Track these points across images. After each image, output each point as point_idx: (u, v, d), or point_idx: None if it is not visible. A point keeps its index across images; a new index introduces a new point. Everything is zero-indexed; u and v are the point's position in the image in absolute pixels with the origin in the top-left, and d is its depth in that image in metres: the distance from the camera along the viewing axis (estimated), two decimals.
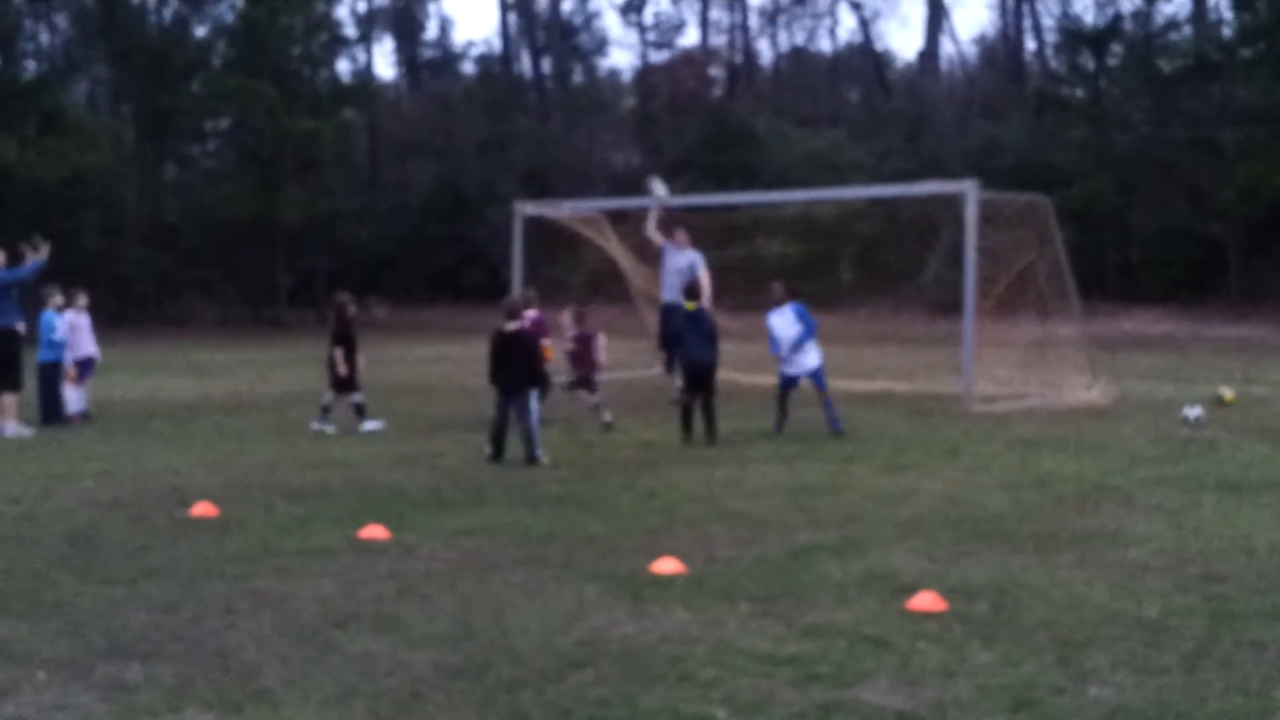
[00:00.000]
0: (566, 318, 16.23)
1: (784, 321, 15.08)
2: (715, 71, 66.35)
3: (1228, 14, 46.20)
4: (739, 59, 66.22)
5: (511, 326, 12.86)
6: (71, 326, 16.90)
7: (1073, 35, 47.74)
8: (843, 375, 18.84)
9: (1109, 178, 43.06)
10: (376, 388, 20.67)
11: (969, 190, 17.67)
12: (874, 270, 40.85)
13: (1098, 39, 46.04)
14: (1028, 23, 57.98)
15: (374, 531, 9.16)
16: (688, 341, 14.42)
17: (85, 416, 16.76)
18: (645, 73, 65.18)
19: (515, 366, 12.72)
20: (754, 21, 66.72)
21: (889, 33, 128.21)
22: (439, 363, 26.24)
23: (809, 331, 14.99)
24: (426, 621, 6.92)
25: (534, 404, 12.84)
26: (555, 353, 16.30)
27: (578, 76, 66.38)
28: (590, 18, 65.74)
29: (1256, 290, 40.43)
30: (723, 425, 14.43)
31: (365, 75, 58.75)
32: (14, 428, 15.20)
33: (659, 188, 19.45)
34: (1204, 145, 41.79)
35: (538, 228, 23.00)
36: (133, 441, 14.46)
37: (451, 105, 61.17)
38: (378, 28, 65.81)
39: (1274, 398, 18.70)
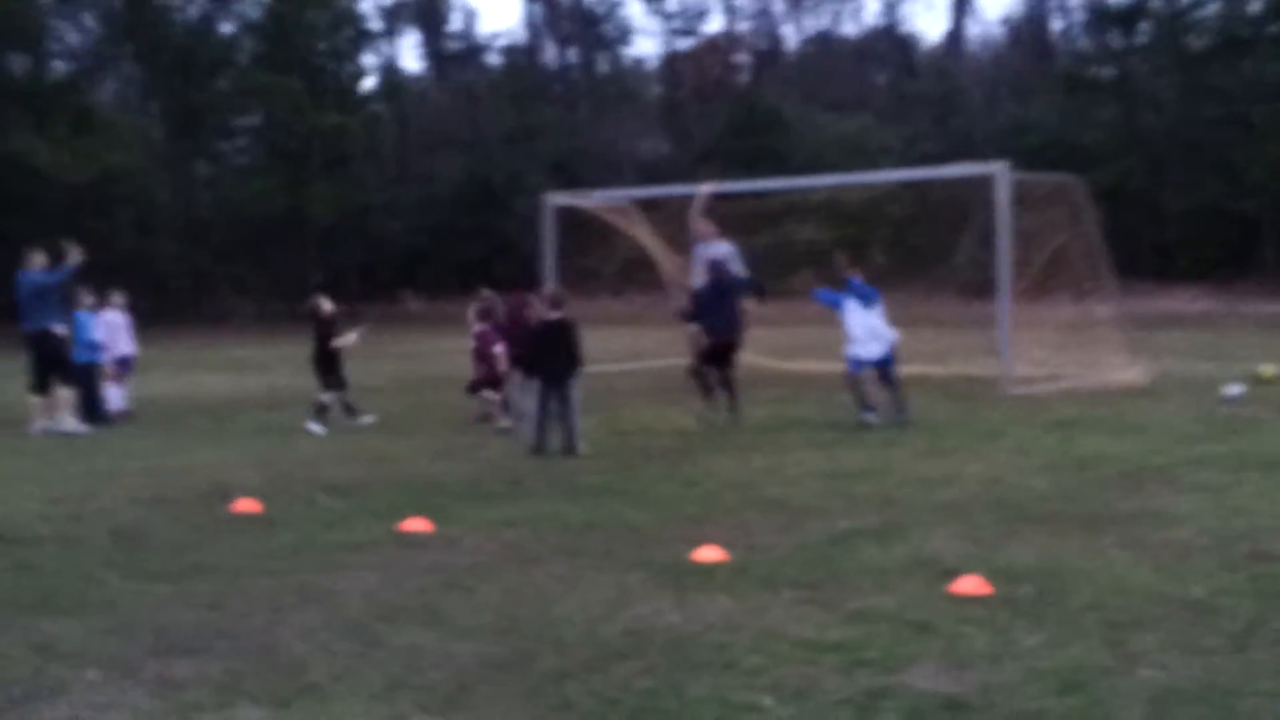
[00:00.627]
0: (471, 313, 16.03)
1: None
2: (741, 58, 66.21)
3: None
4: (764, 44, 66.03)
5: (553, 315, 12.88)
6: (109, 325, 17.02)
7: (1100, 14, 47.47)
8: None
9: (1140, 157, 42.83)
10: (413, 379, 20.77)
11: (1000, 172, 17.59)
12: (905, 253, 40.73)
13: (1126, 17, 45.76)
14: (1054, 2, 57.60)
15: (416, 524, 9.20)
16: (716, 315, 14.48)
17: (126, 415, 16.88)
18: (670, 60, 65.07)
19: (559, 355, 12.75)
20: (778, 6, 66.55)
21: (914, 15, 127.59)
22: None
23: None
24: (471, 613, 6.94)
25: (575, 394, 12.87)
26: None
27: (603, 66, 66.32)
28: (613, 6, 65.64)
29: None
30: (760, 412, 14.43)
31: (392, 68, 58.83)
32: (70, 424, 15.37)
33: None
34: (1235, 122, 41.50)
35: (568, 218, 23.02)
36: (174, 439, 14.55)
37: (478, 97, 61.23)
38: (403, 21, 65.89)
39: None
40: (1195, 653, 5.94)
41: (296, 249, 48.20)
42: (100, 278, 18.29)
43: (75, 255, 15.46)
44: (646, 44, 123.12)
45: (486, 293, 16.47)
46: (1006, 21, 64.98)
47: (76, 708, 5.70)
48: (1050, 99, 47.94)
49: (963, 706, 5.36)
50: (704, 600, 7.04)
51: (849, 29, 69.01)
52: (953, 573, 7.31)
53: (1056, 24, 57.85)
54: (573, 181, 40.25)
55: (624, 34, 66.40)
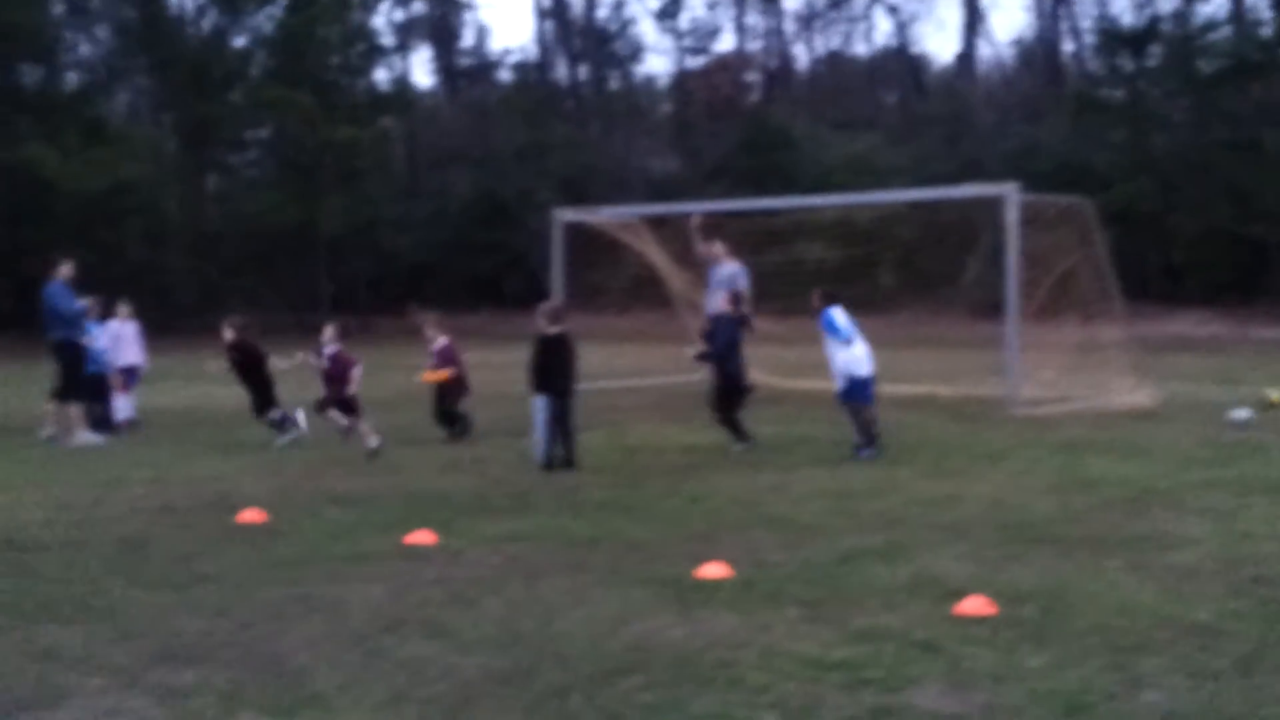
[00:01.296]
0: (328, 333, 15.83)
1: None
2: (751, 76, 66.29)
3: (1267, 14, 45.72)
4: (775, 63, 66.13)
5: (554, 330, 12.90)
6: (115, 335, 17.06)
7: (1111, 36, 47.44)
8: (884, 379, 18.79)
9: (1150, 179, 42.78)
10: (420, 393, 20.73)
11: (1009, 193, 17.60)
12: (914, 274, 40.77)
13: (1136, 40, 45.73)
14: (1065, 24, 57.62)
15: (421, 537, 9.21)
16: (737, 353, 14.43)
17: (133, 424, 16.91)
18: (681, 78, 65.16)
19: (562, 369, 12.79)
20: (789, 26, 66.65)
21: (925, 36, 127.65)
22: (481, 369, 26.12)
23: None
24: (474, 627, 6.95)
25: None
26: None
27: (614, 83, 66.41)
28: (626, 24, 65.63)
29: None
30: (766, 430, 14.43)
31: (403, 83, 58.88)
32: (84, 437, 15.42)
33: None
34: (1245, 146, 41.46)
35: (577, 234, 23.05)
36: (180, 449, 14.57)
37: (489, 112, 61.35)
38: (415, 36, 66.04)
39: None
40: (1201, 677, 5.92)
41: (306, 262, 48.27)
42: (110, 288, 18.35)
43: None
44: (658, 62, 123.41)
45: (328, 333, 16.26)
46: (1017, 43, 64.94)
47: (80, 715, 5.72)
48: (1060, 121, 47.92)
49: None
50: (708, 616, 7.03)
51: (860, 49, 69.13)
52: (957, 593, 7.30)
53: (1067, 46, 57.82)
54: (582, 198, 40.31)
55: (635, 52, 66.46)
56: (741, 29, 65.92)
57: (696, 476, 12.08)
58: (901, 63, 64.36)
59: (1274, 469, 12.10)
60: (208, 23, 50.53)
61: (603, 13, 65.21)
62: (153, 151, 47.06)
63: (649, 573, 8.07)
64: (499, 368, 26.02)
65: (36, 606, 7.52)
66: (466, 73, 69.54)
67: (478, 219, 53.21)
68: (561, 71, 67.22)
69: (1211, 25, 45.80)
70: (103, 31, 51.48)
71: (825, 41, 67.79)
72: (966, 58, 60.99)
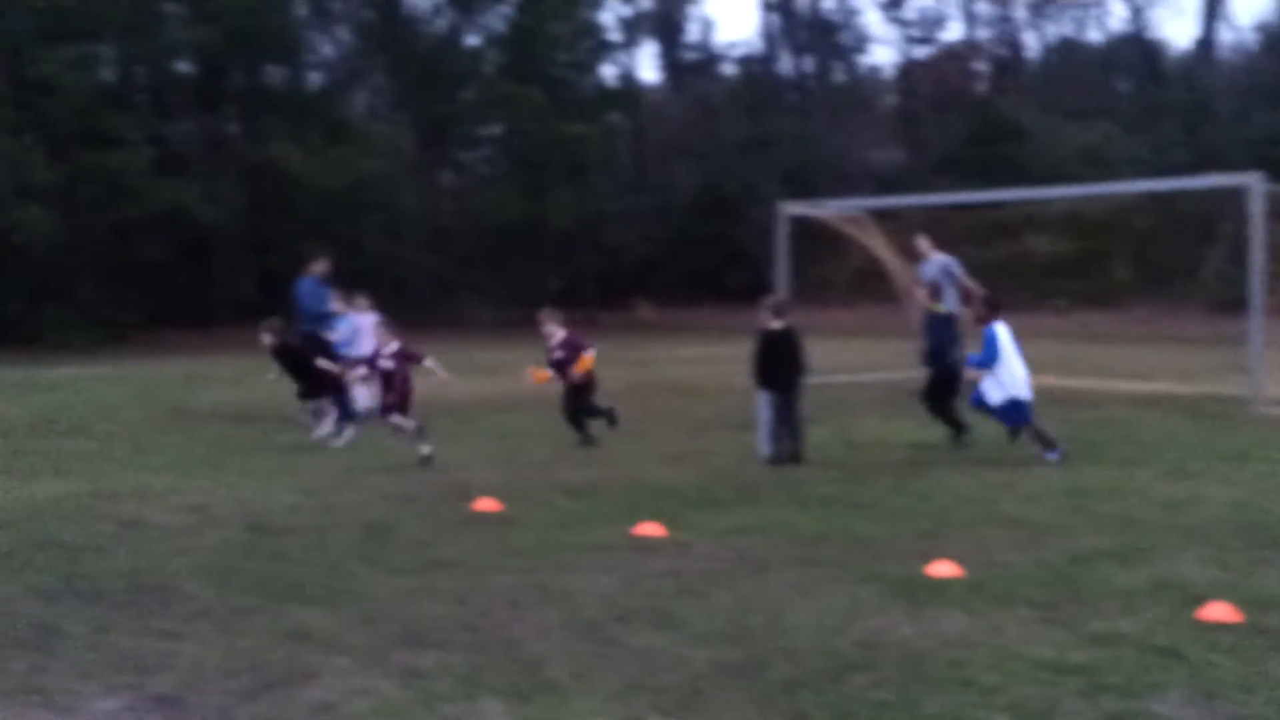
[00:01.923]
0: (382, 332, 14.43)
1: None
2: (980, 66, 64.99)
3: None
4: (1005, 52, 64.70)
5: (777, 324, 12.89)
6: (355, 328, 17.68)
7: None
8: (1119, 376, 18.32)
9: None
10: (645, 386, 20.99)
11: (1253, 184, 16.91)
12: (1150, 267, 39.49)
13: None
14: None
15: (650, 529, 9.33)
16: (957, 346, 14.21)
17: (371, 414, 17.48)
18: (907, 69, 64.29)
19: (786, 364, 12.79)
20: (1020, 13, 65.08)
21: (1162, 21, 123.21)
22: (705, 363, 26.46)
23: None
24: (704, 619, 7.01)
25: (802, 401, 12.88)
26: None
27: (839, 75, 65.90)
28: (851, 15, 65.08)
29: None
30: (996, 427, 14.19)
31: (630, 79, 59.48)
32: (327, 426, 16.04)
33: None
34: None
35: (801, 227, 22.89)
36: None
37: (714, 106, 61.52)
38: (641, 32, 66.63)
39: None
40: None
41: (534, 256, 49.15)
42: (349, 281, 19.02)
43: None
44: (883, 52, 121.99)
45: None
46: (1260, 28, 62.23)
47: (328, 693, 5.95)
48: None
49: None
50: (938, 615, 6.96)
51: (1093, 36, 67.10)
52: (1200, 598, 7.07)
53: None
54: (806, 191, 40.13)
55: (861, 42, 65.85)
56: (970, 17, 64.64)
57: (924, 473, 11.94)
58: (1137, 49, 62.25)
59: None
60: (443, 22, 51.82)
61: (828, 4, 64.77)
62: (390, 149, 48.50)
63: (877, 569, 8.02)
64: (721, 361, 26.17)
65: (285, 588, 7.87)
66: (691, 67, 69.84)
67: (701, 213, 53.44)
68: (786, 64, 66.98)
69: None
70: (343, 33, 53.33)
71: (1057, 28, 66.03)
72: (1206, 43, 58.64)
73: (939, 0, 65.87)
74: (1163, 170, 37.76)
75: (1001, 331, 12.73)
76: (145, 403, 20.05)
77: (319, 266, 16.77)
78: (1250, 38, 61.86)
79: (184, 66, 48.31)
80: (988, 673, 5.98)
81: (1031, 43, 66.80)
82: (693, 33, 71.66)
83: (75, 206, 40.01)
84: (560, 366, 14.71)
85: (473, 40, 52.08)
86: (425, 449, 13.19)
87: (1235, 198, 18.54)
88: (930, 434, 14.41)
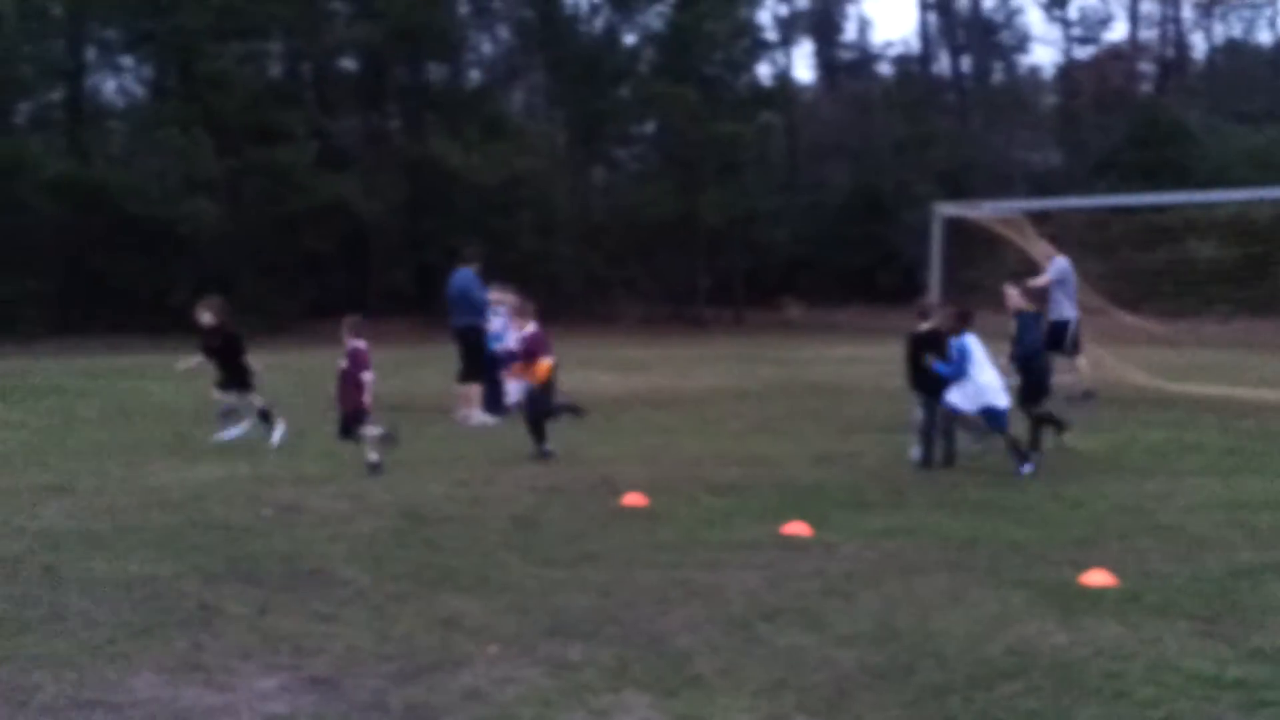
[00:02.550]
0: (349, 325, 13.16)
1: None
2: (1144, 66, 63.48)
3: None
4: (1170, 53, 63.10)
5: (924, 326, 12.75)
6: (508, 321, 17.91)
7: None
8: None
9: None
10: (793, 385, 20.92)
11: None
12: None
13: None
14: None
15: (797, 528, 9.30)
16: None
17: (518, 408, 17.71)
18: (1068, 69, 63.03)
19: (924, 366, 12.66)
20: (1187, 13, 63.42)
21: None
22: (853, 363, 26.25)
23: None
24: (850, 620, 6.98)
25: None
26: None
27: (997, 75, 64.91)
28: (1012, 14, 64.03)
29: None
30: (1153, 435, 13.90)
31: (785, 78, 59.26)
32: (479, 417, 16.31)
33: None
34: None
35: (955, 229, 22.60)
36: (566, 432, 15.14)
37: (869, 106, 61.01)
38: (797, 31, 66.34)
39: None
40: None
41: (685, 254, 49.23)
42: (502, 276, 19.28)
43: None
44: (1043, 52, 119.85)
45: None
46: None
47: (478, 680, 6.05)
48: None
49: None
50: (1092, 624, 6.83)
51: (1264, 37, 65.17)
52: None
53: None
54: (961, 192, 39.66)
55: (1021, 42, 64.81)
56: (1135, 17, 63.15)
57: (1078, 480, 11.70)
58: None
59: None
60: (600, 21, 52.21)
61: (989, 3, 63.83)
62: (546, 146, 49.01)
63: (1029, 576, 7.90)
64: (870, 362, 25.96)
65: (438, 576, 8.01)
66: (847, 66, 69.40)
67: (853, 213, 53.04)
68: (943, 64, 66.18)
69: None
70: (503, 31, 54.04)
71: (1225, 29, 64.24)
72: None
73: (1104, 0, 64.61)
74: None
75: (973, 344, 12.33)
76: (304, 391, 20.52)
77: (474, 259, 17.01)
78: None
79: (348, 63, 49.46)
80: (1143, 685, 5.86)
81: (1198, 43, 65.13)
82: (850, 32, 71.25)
83: (241, 199, 41.17)
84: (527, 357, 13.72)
85: (629, 39, 52.37)
86: (374, 456, 12.38)
87: None
88: (1082, 440, 14.13)
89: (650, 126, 53.57)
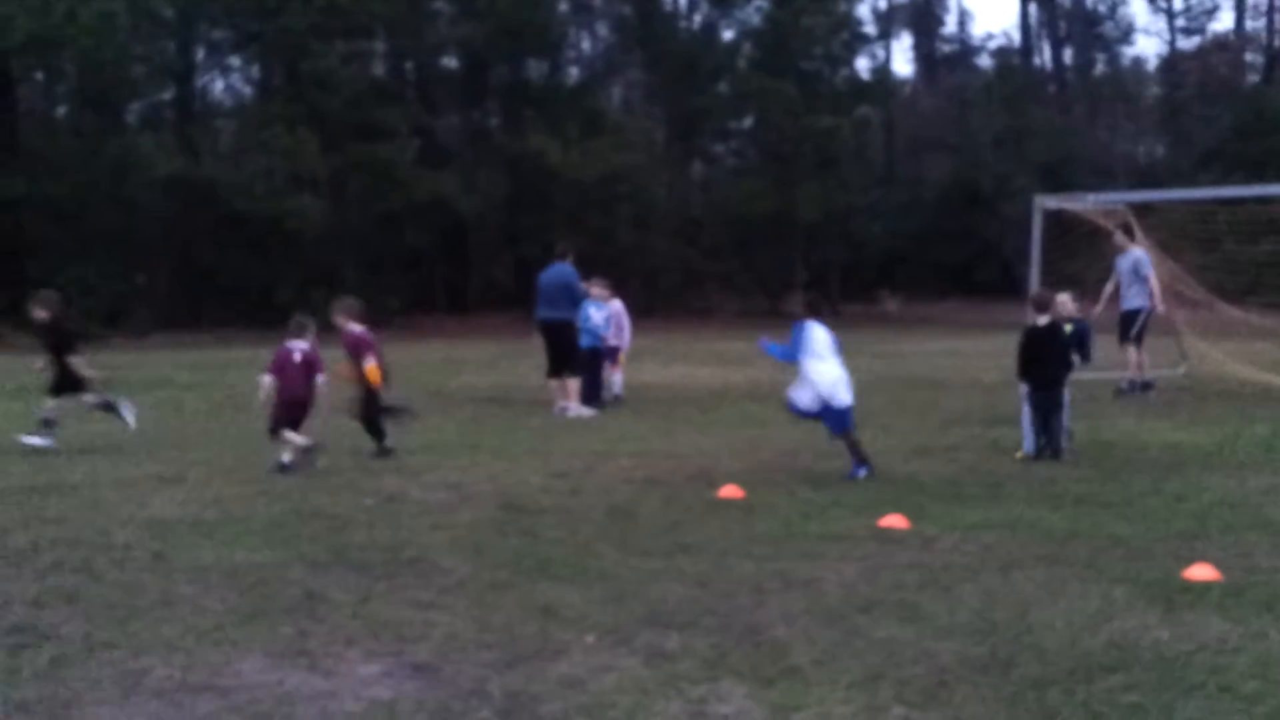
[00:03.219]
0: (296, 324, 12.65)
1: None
2: (1250, 57, 62.21)
3: None
4: (1277, 43, 61.76)
5: (1043, 320, 12.61)
6: (617, 315, 18.00)
7: None
8: None
9: None
10: (890, 379, 20.79)
11: None
12: None
13: None
14: None
15: (894, 520, 9.27)
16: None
17: (617, 400, 17.80)
18: (1173, 60, 61.96)
19: (1049, 359, 12.52)
20: None
21: None
22: (951, 357, 26.06)
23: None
24: (949, 613, 6.94)
25: (1066, 398, 12.55)
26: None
27: (1100, 66, 63.96)
28: (1115, 5, 63.14)
29: None
30: (1259, 430, 13.65)
31: (884, 71, 58.87)
32: (575, 409, 16.42)
33: None
34: None
35: (1055, 222, 22.39)
36: (663, 424, 15.23)
37: (968, 99, 60.42)
38: (897, 24, 65.86)
39: None
40: None
41: (782, 248, 49.15)
42: (600, 271, 19.38)
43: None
44: (1148, 44, 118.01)
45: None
46: None
47: (576, 668, 6.10)
48: None
49: None
50: (1195, 620, 6.74)
51: None
52: None
53: None
54: (1063, 185, 39.08)
55: (1125, 33, 63.87)
56: (1241, 7, 61.91)
57: (1181, 474, 11.51)
58: None
59: None
60: (698, 17, 52.26)
61: None
62: (644, 141, 49.13)
63: (1131, 570, 7.81)
64: (968, 356, 25.79)
65: (537, 566, 8.09)
66: (947, 59, 68.79)
67: (951, 207, 52.60)
68: (1045, 56, 65.35)
69: None
70: (602, 28, 54.26)
71: None
72: None
73: None
74: None
75: (818, 332, 11.65)
76: (405, 385, 20.77)
77: (567, 253, 17.09)
78: None
79: (450, 61, 49.98)
80: (1248, 680, 5.77)
81: None
82: (949, 24, 70.62)
83: (344, 196, 41.77)
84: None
85: (728, 35, 52.35)
86: (286, 456, 12.02)
87: None
88: (1188, 434, 13.93)
89: (748, 121, 53.52)
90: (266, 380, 12.19)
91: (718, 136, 55.27)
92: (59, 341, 13.69)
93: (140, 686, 5.92)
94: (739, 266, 49.48)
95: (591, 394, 17.12)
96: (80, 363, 13.71)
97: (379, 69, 47.61)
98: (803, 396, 11.77)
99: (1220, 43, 60.61)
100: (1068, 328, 13.09)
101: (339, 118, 40.50)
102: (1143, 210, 22.10)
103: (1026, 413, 12.60)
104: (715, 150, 57.07)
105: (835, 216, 48.76)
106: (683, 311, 45.52)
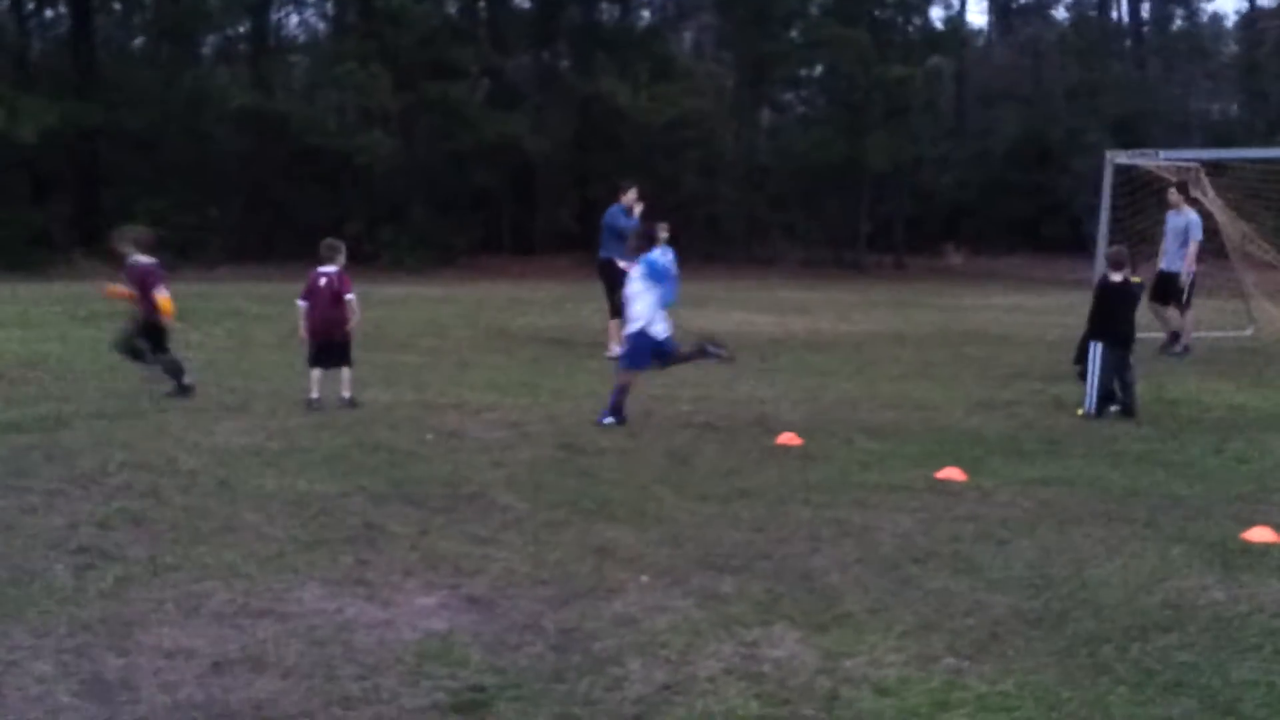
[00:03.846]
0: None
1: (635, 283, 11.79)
2: None
3: None
4: None
5: (1117, 277, 12.48)
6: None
7: None
8: None
9: None
10: (952, 332, 20.69)
11: None
12: None
13: None
14: None
15: (951, 473, 9.27)
16: None
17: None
18: (1252, 17, 60.72)
19: (1125, 317, 12.42)
20: None
21: None
22: (1015, 312, 25.84)
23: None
24: (1003, 566, 6.96)
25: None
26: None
27: (1177, 21, 62.80)
28: None
29: None
30: None
31: (957, 21, 58.04)
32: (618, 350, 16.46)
33: None
34: None
35: (1126, 178, 22.13)
36: (722, 370, 15.18)
37: (1042, 52, 59.55)
38: None
39: None
40: None
41: (848, 198, 48.77)
42: (665, 216, 19.33)
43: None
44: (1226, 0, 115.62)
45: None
46: None
47: (630, 607, 6.18)
48: None
49: None
50: (1253, 581, 6.72)
51: None
52: None
53: None
54: (1135, 141, 38.52)
55: None
56: None
57: (1243, 435, 11.39)
58: None
59: None
60: None
61: None
62: (714, 87, 48.80)
63: (1189, 530, 7.78)
64: (1033, 311, 25.56)
65: (594, 506, 8.17)
66: (1021, 10, 67.75)
67: (1021, 160, 51.90)
68: (1121, 9, 64.24)
69: None
70: None
71: None
72: None
73: None
74: None
75: (657, 260, 11.55)
76: (469, 323, 20.93)
77: (629, 196, 17.03)
78: None
79: (521, 2, 49.82)
80: None
81: None
82: None
83: (414, 134, 41.86)
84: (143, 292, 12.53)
85: None
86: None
87: None
88: (1251, 396, 13.78)
89: (818, 69, 52.98)
90: (303, 305, 12.27)
91: (788, 84, 54.76)
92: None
93: (202, 609, 6.06)
94: (804, 216, 49.19)
95: None
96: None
97: (451, 8, 47.49)
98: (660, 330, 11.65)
99: None
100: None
101: (411, 55, 40.50)
102: (1215, 169, 21.79)
103: (1094, 371, 12.46)
104: (784, 98, 56.59)
105: (903, 167, 48.29)
106: (746, 259, 45.34)
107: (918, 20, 52.15)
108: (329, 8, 49.40)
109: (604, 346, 16.71)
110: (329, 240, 12.56)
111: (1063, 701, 5.11)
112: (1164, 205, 18.64)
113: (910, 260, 47.08)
